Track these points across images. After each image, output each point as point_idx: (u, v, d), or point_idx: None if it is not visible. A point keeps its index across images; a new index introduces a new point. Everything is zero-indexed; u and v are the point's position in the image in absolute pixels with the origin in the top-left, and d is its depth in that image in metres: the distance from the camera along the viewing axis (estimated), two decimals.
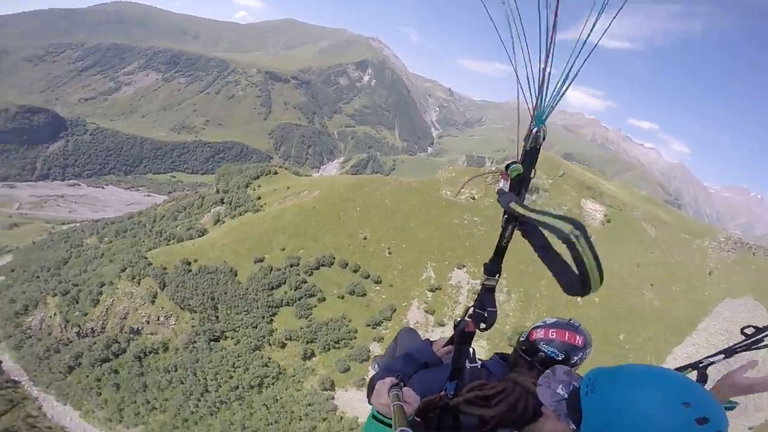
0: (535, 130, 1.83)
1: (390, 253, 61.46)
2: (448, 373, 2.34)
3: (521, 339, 2.52)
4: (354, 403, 51.57)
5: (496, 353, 2.72)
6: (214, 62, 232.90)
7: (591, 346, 2.39)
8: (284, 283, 56.85)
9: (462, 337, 2.34)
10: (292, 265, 58.16)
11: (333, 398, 50.63)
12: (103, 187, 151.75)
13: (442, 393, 2.29)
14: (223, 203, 78.06)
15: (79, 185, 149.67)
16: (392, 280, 58.91)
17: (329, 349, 52.90)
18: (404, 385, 2.01)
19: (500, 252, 2.13)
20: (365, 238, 62.44)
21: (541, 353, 2.34)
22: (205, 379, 49.72)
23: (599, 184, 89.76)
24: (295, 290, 56.18)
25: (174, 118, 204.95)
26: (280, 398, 50.18)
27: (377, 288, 58.07)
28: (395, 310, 56.12)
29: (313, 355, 52.92)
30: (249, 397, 48.95)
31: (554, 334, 2.35)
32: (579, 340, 2.32)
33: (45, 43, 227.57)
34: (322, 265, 58.53)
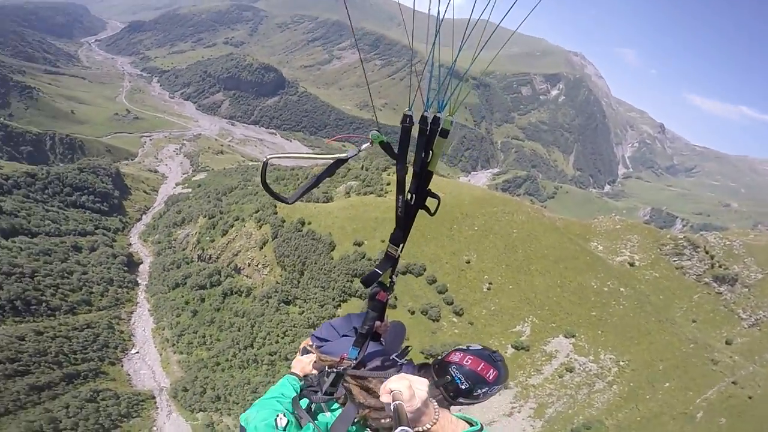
0: (427, 114, 1.96)
1: (489, 289, 51.79)
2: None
3: (439, 357, 2.52)
4: None
5: (420, 363, 2.69)
6: (407, 50, 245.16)
7: (503, 384, 2.33)
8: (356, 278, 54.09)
9: (372, 303, 2.37)
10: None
11: None
12: (290, 141, 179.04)
13: (344, 355, 2.41)
14: (357, 179, 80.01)
15: (275, 134, 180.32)
16: (476, 318, 49.65)
17: None
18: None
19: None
20: (468, 262, 54.13)
21: (448, 376, 2.35)
22: (255, 335, 51.31)
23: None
24: (372, 288, 52.80)
25: (361, 96, 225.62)
26: None
27: (454, 319, 49.84)
28: None
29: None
30: (279, 366, 48.52)
31: (469, 361, 2.35)
32: (491, 375, 2.31)
33: (292, 12, 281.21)
34: (410, 272, 53.31)
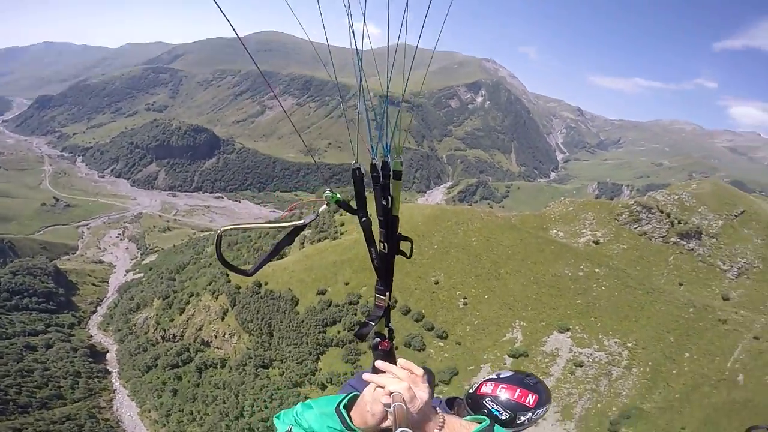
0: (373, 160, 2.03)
1: (465, 304, 49.05)
2: None
3: (470, 391, 2.38)
4: None
5: (447, 397, 2.57)
6: (339, 87, 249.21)
7: (546, 405, 2.20)
8: (339, 322, 49.96)
9: (377, 354, 2.27)
10: (351, 303, 50.90)
11: None
12: (239, 201, 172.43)
13: None
14: (309, 228, 76.31)
15: (222, 198, 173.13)
16: (462, 337, 46.47)
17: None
18: None
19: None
20: (437, 283, 51.41)
21: (484, 410, 2.21)
22: (242, 404, 46.67)
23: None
24: (348, 331, 48.71)
25: (303, 141, 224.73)
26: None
27: (440, 344, 46.38)
28: (457, 373, 43.70)
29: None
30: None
31: (503, 390, 2.23)
32: (531, 400, 2.19)
33: (212, 69, 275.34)
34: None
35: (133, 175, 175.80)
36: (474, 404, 2.29)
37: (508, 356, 44.57)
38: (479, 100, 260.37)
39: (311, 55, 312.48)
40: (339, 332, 49.47)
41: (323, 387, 46.95)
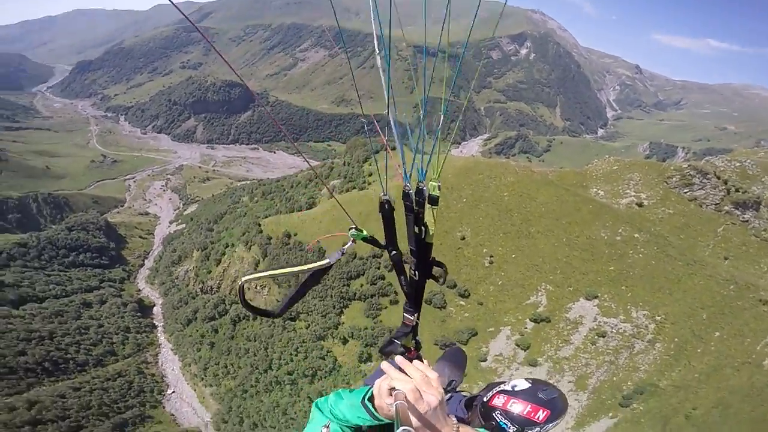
0: (411, 186, 1.95)
1: (491, 263, 47.38)
2: None
3: (484, 399, 2.28)
4: None
5: (468, 397, 2.58)
6: (370, 38, 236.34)
7: (559, 419, 2.12)
8: (362, 275, 50.22)
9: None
10: (374, 256, 50.73)
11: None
12: (274, 152, 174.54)
13: None
14: (339, 177, 75.59)
15: (257, 149, 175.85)
16: (484, 297, 45.37)
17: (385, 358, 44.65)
18: None
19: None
20: (463, 239, 49.68)
21: (493, 422, 2.15)
22: (270, 357, 48.91)
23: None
24: (371, 285, 48.97)
25: (335, 92, 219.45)
26: (326, 394, 45.66)
27: (462, 303, 45.63)
28: (476, 334, 43.20)
29: (369, 359, 45.66)
30: (300, 384, 46.15)
31: (514, 405, 2.13)
32: (541, 416, 2.07)
33: (243, 24, 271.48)
34: (405, 263, 48.83)
35: (173, 130, 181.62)
36: (485, 414, 2.21)
37: (530, 320, 43.30)
38: (524, 52, 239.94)
39: (342, 6, 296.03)
40: (362, 285, 49.94)
41: (345, 341, 48.21)
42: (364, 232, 1.99)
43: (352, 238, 2.03)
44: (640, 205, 53.42)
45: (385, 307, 48.32)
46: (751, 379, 36.99)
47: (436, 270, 2.19)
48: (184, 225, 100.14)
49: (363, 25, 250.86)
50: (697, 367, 37.96)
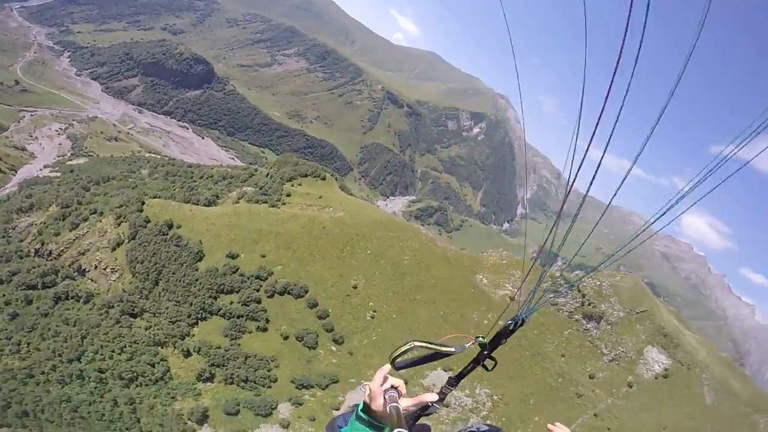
0: (509, 322, 2.34)
1: (373, 317, 46.33)
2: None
3: None
4: None
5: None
6: (353, 68, 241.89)
7: None
8: (237, 292, 45.31)
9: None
10: (258, 277, 46.49)
11: None
12: (203, 137, 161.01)
13: None
14: (256, 186, 70.70)
15: (187, 128, 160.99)
16: (356, 348, 43.71)
17: (231, 383, 39.80)
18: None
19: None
20: (355, 287, 48.33)
21: None
22: (86, 348, 40.74)
23: (680, 335, 65.13)
24: (242, 305, 44.19)
25: (294, 105, 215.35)
26: (138, 402, 39.10)
27: (333, 348, 43.32)
28: (337, 381, 40.86)
29: (210, 379, 40.15)
30: (110, 385, 38.99)
31: None
32: None
33: (246, 10, 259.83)
34: (289, 293, 45.78)
35: (110, 83, 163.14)
36: None
37: None
38: (476, 131, 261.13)
39: (343, 29, 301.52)
40: (232, 303, 44.93)
41: (188, 354, 42.27)
42: (485, 341, 2.37)
43: (475, 342, 2.43)
44: (512, 299, 57.94)
45: (250, 332, 43.67)
46: None
47: (488, 362, 2.51)
48: (59, 174, 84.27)
49: (353, 53, 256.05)
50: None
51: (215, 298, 45.02)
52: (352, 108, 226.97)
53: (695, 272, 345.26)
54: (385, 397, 1.98)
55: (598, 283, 64.66)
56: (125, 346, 41.00)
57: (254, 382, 40.55)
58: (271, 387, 40.89)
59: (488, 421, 43.23)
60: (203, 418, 38.63)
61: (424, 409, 2.52)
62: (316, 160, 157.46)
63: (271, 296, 45.24)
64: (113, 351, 40.73)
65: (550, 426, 2.45)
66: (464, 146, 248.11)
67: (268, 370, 41.47)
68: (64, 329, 41.88)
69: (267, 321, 43.78)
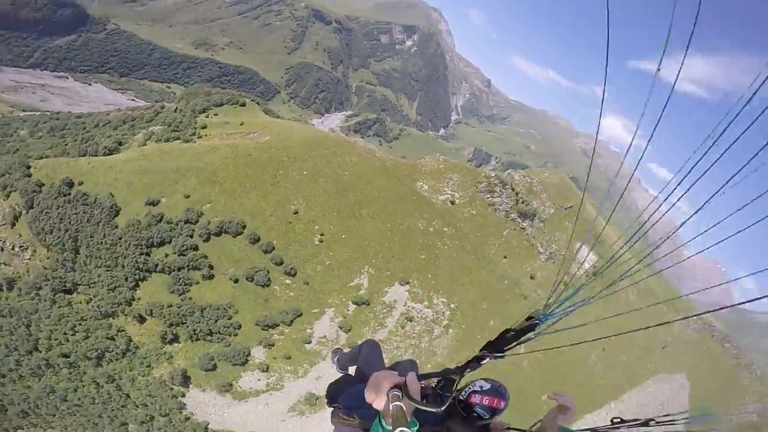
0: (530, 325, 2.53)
1: (321, 242, 45.17)
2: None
3: (461, 398, 2.96)
4: (209, 408, 37.96)
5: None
6: None
7: (508, 403, 2.95)
8: (169, 242, 41.26)
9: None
10: (188, 221, 42.22)
11: (183, 395, 37.05)
12: (89, 84, 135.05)
13: None
14: (164, 124, 61.16)
15: (66, 78, 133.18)
16: (311, 277, 43.07)
17: (197, 339, 38.50)
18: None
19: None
20: (296, 213, 45.92)
21: (474, 413, 2.89)
22: (36, 336, 37.01)
23: (605, 232, 71.70)
24: (179, 255, 40.62)
25: (199, 34, 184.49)
26: (118, 378, 37.56)
27: (287, 281, 42.36)
28: (300, 315, 40.79)
29: (176, 340, 38.52)
30: (84, 368, 36.79)
31: (487, 401, 2.90)
32: (503, 405, 2.91)
33: None
34: (225, 232, 42.51)
35: None
36: (466, 408, 2.87)
37: (352, 302, 43.04)
38: (409, 43, 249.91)
39: None
40: (167, 255, 41.05)
41: (142, 319, 39.35)
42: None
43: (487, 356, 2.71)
44: (453, 203, 58.35)
45: (197, 282, 40.96)
46: (511, 364, 45.00)
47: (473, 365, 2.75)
48: None
49: None
50: (476, 352, 43.99)
51: (148, 254, 40.71)
52: (270, 30, 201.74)
53: (611, 167, 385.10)
54: (388, 396, 1.95)
55: (529, 180, 66.76)
56: (75, 326, 37.32)
57: (219, 333, 39.20)
58: (237, 335, 39.85)
59: (449, 331, 45.74)
60: (185, 380, 37.68)
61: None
62: (235, 87, 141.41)
63: (207, 239, 41.77)
64: (65, 333, 37.05)
65: (552, 396, 2.98)
66: (398, 59, 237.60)
67: (229, 318, 40.00)
68: (3, 322, 37.18)
69: (211, 267, 40.97)
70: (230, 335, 39.01)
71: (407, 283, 44.87)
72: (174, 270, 39.97)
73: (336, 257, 44.65)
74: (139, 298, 40.24)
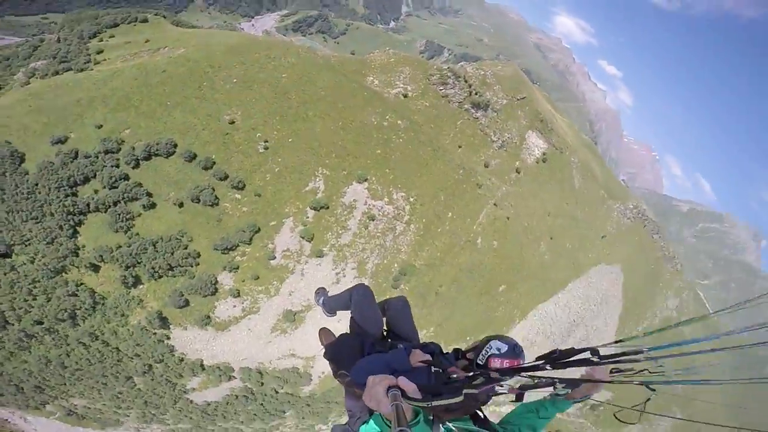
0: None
1: (266, 148, 41.71)
2: (420, 379, 2.79)
3: (479, 362, 3.02)
4: (196, 344, 38.18)
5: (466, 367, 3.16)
6: None
7: (524, 359, 3.00)
8: (94, 177, 36.70)
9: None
10: (108, 152, 37.21)
11: (168, 338, 36.89)
12: None
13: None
14: (48, 59, 50.48)
15: None
16: (262, 188, 40.56)
17: (160, 277, 36.66)
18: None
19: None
20: (232, 123, 41.35)
21: (496, 374, 2.78)
22: (6, 311, 33.72)
23: (554, 119, 71.21)
24: (110, 189, 36.49)
25: None
26: (101, 334, 36.17)
27: (237, 196, 39.78)
28: (258, 230, 39.23)
29: (138, 282, 36.62)
30: (63, 331, 34.80)
31: (507, 363, 2.93)
32: (522, 363, 2.91)
33: None
34: (156, 155, 38.11)
35: None
36: (486, 374, 2.76)
37: (311, 208, 41.55)
38: None
39: None
40: (97, 192, 36.73)
41: (95, 267, 36.27)
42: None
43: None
44: (405, 96, 55.95)
45: (139, 215, 37.59)
46: (471, 256, 46.55)
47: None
48: None
49: None
50: (438, 246, 45.01)
51: (74, 195, 36.19)
52: None
53: (562, 61, 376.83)
54: (387, 396, 1.97)
55: (482, 72, 64.29)
56: (30, 290, 33.89)
57: (180, 266, 37.06)
58: (198, 264, 37.95)
59: (411, 226, 46.13)
60: (164, 322, 36.55)
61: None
62: (133, 5, 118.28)
63: (137, 166, 37.33)
64: (26, 300, 33.85)
65: (589, 374, 2.72)
66: None
67: (185, 248, 37.58)
68: None
69: (149, 195, 37.29)
70: (192, 266, 37.33)
71: (365, 180, 43.48)
72: (110, 206, 36.13)
73: (285, 163, 41.82)
74: (84, 246, 36.79)
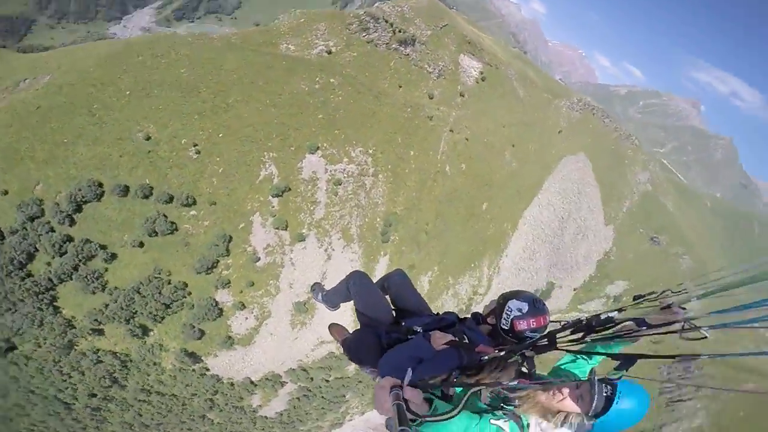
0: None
1: (199, 152, 37.98)
2: (450, 362, 2.66)
3: (504, 327, 2.88)
4: (235, 366, 38.14)
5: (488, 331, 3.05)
6: None
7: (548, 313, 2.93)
8: (36, 251, 32.44)
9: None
10: (33, 218, 32.44)
11: (207, 370, 35.60)
12: None
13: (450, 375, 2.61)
14: None
15: None
16: (213, 195, 37.52)
17: (163, 318, 34.63)
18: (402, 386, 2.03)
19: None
20: (149, 138, 36.89)
21: (527, 338, 2.78)
22: (58, 394, 33.58)
23: (480, 39, 69.71)
24: (60, 257, 32.35)
25: None
26: (150, 387, 35.61)
27: (192, 213, 36.69)
28: (231, 238, 36.76)
29: (146, 330, 34.74)
30: (117, 395, 34.90)
31: (533, 323, 2.82)
32: (547, 320, 2.85)
33: None
34: (85, 202, 33.81)
35: None
36: (515, 336, 2.79)
37: (272, 196, 39.17)
38: None
39: None
40: (49, 263, 33.20)
41: (100, 331, 35.11)
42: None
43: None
44: (329, 52, 53.32)
45: (105, 270, 34.76)
46: (445, 185, 46.16)
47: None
48: None
49: None
50: (411, 186, 44.38)
51: (29, 276, 32.21)
52: None
53: None
54: (389, 396, 1.92)
55: (399, 9, 61.96)
56: (61, 371, 33.63)
57: (174, 301, 35.33)
58: (190, 293, 36.12)
59: (379, 176, 45.07)
60: (193, 357, 35.87)
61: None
62: None
63: (72, 222, 33.12)
64: (63, 380, 33.89)
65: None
66: None
67: (169, 283, 35.32)
68: None
69: (103, 248, 33.65)
70: (185, 297, 35.32)
71: (317, 149, 41.21)
72: (71, 272, 32.30)
73: (226, 160, 38.61)
74: (74, 317, 33.59)
